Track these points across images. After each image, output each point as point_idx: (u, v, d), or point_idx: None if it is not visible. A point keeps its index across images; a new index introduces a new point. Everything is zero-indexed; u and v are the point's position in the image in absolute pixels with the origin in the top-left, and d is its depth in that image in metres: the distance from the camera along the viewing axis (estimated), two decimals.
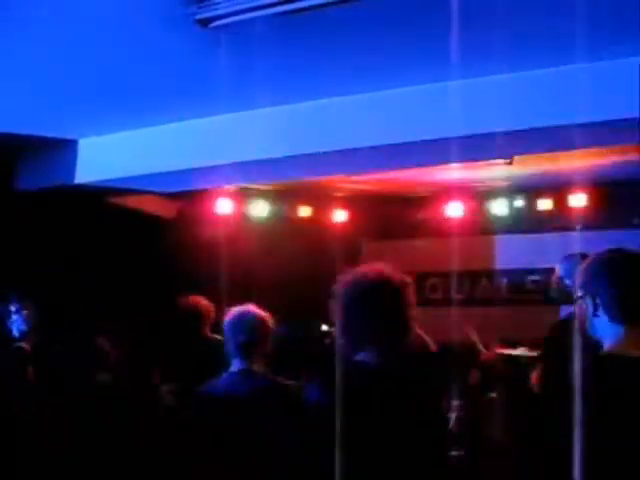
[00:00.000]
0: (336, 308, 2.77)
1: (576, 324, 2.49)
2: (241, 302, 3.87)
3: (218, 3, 3.28)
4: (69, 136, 6.08)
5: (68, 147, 6.19)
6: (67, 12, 3.53)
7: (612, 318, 2.36)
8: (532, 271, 8.39)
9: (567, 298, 4.71)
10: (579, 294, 2.43)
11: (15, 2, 3.40)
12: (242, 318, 3.72)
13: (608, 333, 2.37)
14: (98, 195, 6.61)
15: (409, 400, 2.69)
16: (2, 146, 6.02)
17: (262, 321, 3.74)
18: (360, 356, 2.69)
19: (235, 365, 3.66)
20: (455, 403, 5.37)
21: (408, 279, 2.81)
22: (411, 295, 2.77)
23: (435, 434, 2.72)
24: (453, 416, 5.21)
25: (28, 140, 6.00)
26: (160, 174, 5.95)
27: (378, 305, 2.70)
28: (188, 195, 7.26)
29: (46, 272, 6.26)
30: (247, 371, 3.63)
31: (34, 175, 6.46)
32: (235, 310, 3.81)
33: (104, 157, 6.08)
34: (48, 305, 5.63)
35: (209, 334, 5.81)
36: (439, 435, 2.75)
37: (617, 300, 2.35)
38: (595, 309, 2.38)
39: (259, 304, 3.88)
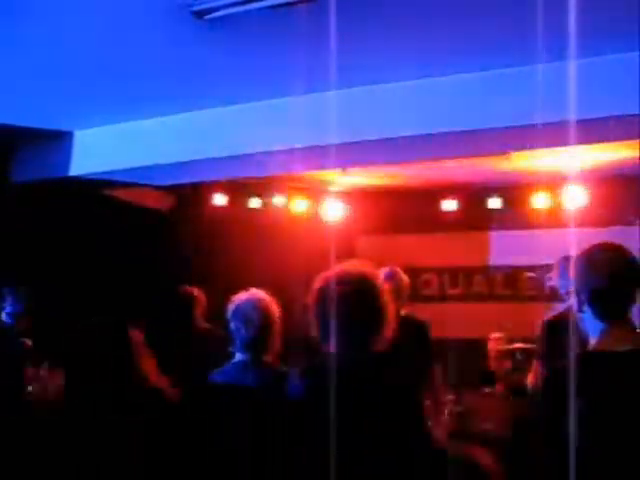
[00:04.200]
0: (311, 304, 2.80)
1: (571, 321, 2.49)
2: (235, 293, 3.65)
3: None
4: (65, 128, 6.07)
5: (64, 139, 6.18)
6: (64, 3, 3.52)
7: (596, 314, 2.37)
8: (528, 268, 8.42)
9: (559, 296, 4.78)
10: (569, 291, 2.45)
11: None
12: (244, 310, 3.54)
13: (593, 329, 2.38)
14: (93, 187, 6.60)
15: (378, 393, 2.69)
16: None
17: (267, 314, 3.54)
18: (329, 347, 2.72)
19: (239, 356, 3.55)
20: (450, 397, 5.39)
21: (379, 276, 2.91)
22: (382, 290, 2.78)
23: (405, 428, 2.69)
24: (448, 410, 5.22)
25: (24, 132, 5.98)
26: (156, 166, 5.94)
27: (346, 300, 2.70)
28: (184, 188, 7.25)
29: (41, 263, 6.26)
30: (251, 362, 3.51)
31: (30, 167, 6.45)
32: (238, 300, 3.61)
33: (100, 149, 6.07)
34: (42, 295, 5.63)
35: (202, 324, 5.83)
36: (410, 429, 2.72)
37: (598, 297, 2.36)
38: (580, 306, 2.39)
39: None
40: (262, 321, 3.52)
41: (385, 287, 2.83)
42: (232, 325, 3.58)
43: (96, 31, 3.88)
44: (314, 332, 2.79)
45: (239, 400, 3.37)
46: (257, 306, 3.55)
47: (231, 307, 3.62)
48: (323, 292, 2.74)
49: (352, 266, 2.83)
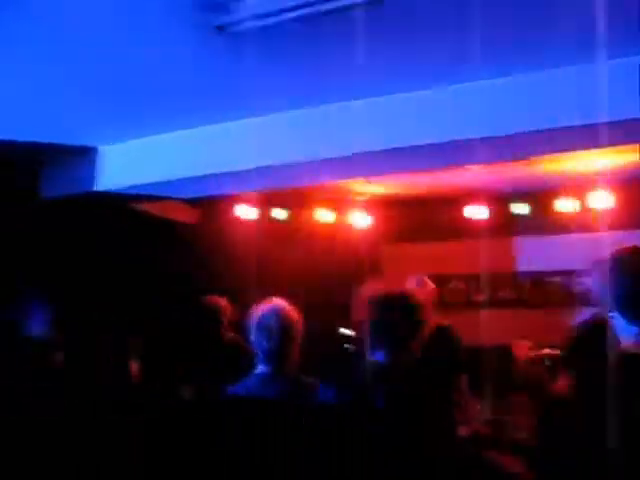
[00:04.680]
0: (360, 313, 3.16)
1: (604, 325, 2.48)
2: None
3: (237, 9, 3.29)
4: (90, 143, 6.13)
5: (89, 154, 6.24)
6: (89, 20, 3.56)
7: (628, 317, 2.35)
8: (555, 273, 8.35)
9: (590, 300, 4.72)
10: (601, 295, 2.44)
11: (38, 10, 3.43)
12: (266, 321, 3.51)
13: (624, 332, 2.36)
14: (119, 200, 6.66)
15: (413, 398, 2.85)
16: (27, 155, 6.08)
17: (288, 324, 3.51)
18: (375, 355, 3.00)
19: (261, 368, 3.52)
20: (478, 405, 5.35)
21: (425, 300, 3.33)
22: (426, 310, 3.17)
23: (442, 426, 2.81)
24: (478, 419, 5.19)
25: (51, 148, 6.05)
26: (181, 180, 5.97)
27: (397, 314, 3.03)
28: (209, 200, 7.29)
29: (70, 277, 6.31)
30: (273, 374, 3.47)
31: (58, 182, 6.52)
32: (260, 310, 3.58)
33: (125, 164, 6.13)
34: (71, 309, 5.68)
35: (227, 333, 5.83)
36: (446, 427, 2.86)
37: (625, 300, 2.34)
38: (610, 309, 2.38)
39: None
40: (283, 332, 3.48)
41: (427, 303, 3.23)
42: (253, 337, 3.55)
43: (119, 47, 3.92)
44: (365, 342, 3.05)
45: (264, 413, 3.35)
46: (278, 317, 3.51)
47: (252, 318, 3.58)
48: (374, 307, 3.07)
49: (396, 284, 3.28)
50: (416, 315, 3.06)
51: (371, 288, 3.18)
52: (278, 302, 3.59)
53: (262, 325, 3.51)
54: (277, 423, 3.26)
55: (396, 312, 3.03)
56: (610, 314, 2.41)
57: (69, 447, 3.61)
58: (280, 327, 3.48)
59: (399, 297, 3.09)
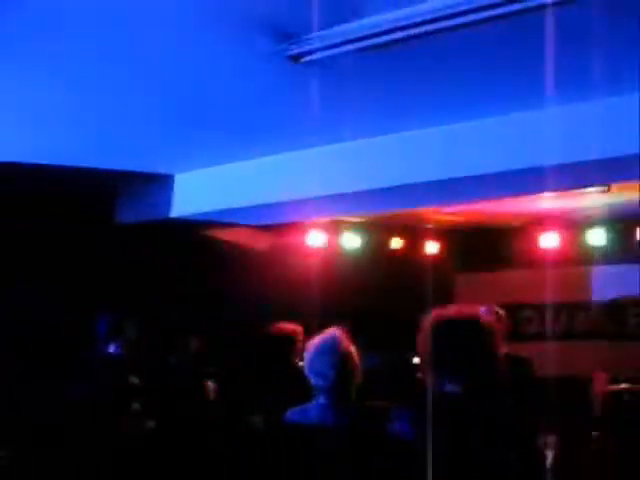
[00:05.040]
0: (423, 341, 2.85)
1: None
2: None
3: (310, 39, 3.32)
4: (166, 171, 6.25)
5: (165, 182, 6.36)
6: (167, 49, 3.63)
7: None
8: (633, 303, 8.14)
9: None
10: None
11: (121, 41, 3.52)
12: (321, 361, 3.36)
13: None
14: (193, 228, 6.77)
15: (493, 431, 2.69)
16: (104, 181, 6.24)
17: (344, 358, 3.36)
18: (447, 387, 2.77)
19: (321, 398, 3.39)
20: (552, 440, 5.21)
21: (496, 324, 2.98)
22: (497, 336, 2.85)
23: (525, 468, 2.68)
24: (550, 453, 5.04)
25: (127, 175, 6.19)
26: (253, 207, 6.04)
27: (466, 340, 2.79)
28: (281, 227, 7.34)
29: (144, 301, 6.42)
30: (333, 404, 3.35)
31: (134, 209, 6.66)
32: (314, 345, 3.43)
33: (199, 191, 6.22)
34: (147, 333, 5.78)
35: (298, 361, 5.81)
36: (529, 469, 2.71)
37: None
38: None
39: (351, 334, 3.51)
40: (340, 369, 3.34)
41: (498, 328, 2.90)
42: (309, 375, 3.41)
43: (194, 76, 3.99)
44: (424, 370, 2.85)
45: (338, 441, 3.30)
46: (334, 351, 3.37)
47: (307, 356, 3.45)
48: (437, 331, 2.81)
49: (464, 307, 2.92)
50: (489, 340, 2.82)
51: (436, 313, 2.89)
52: (331, 336, 3.43)
53: (317, 365, 3.38)
54: (347, 451, 3.22)
55: (465, 336, 2.80)
56: None
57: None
58: (335, 364, 3.34)
59: (469, 320, 2.84)
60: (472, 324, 2.81)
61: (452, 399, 2.75)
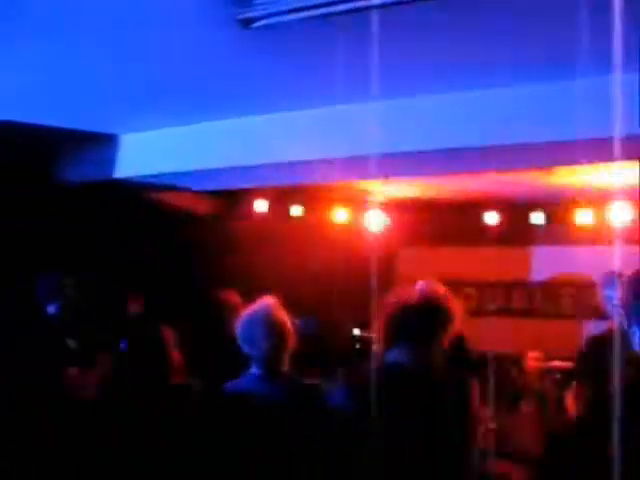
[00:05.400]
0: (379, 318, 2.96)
1: (618, 339, 2.45)
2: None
3: (260, 4, 3.29)
4: (111, 131, 6.15)
5: (110, 142, 6.27)
6: (114, 11, 3.57)
7: None
8: (569, 284, 8.31)
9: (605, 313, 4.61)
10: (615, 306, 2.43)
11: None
12: (255, 327, 3.34)
13: None
14: (137, 189, 6.68)
15: (438, 397, 2.79)
16: (42, 138, 6.10)
17: (277, 329, 3.33)
18: (391, 356, 2.86)
19: (254, 368, 3.37)
20: (487, 414, 5.31)
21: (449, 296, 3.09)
22: (451, 309, 3.00)
23: (462, 433, 2.74)
24: (485, 427, 5.14)
25: (70, 133, 6.07)
26: (198, 171, 5.99)
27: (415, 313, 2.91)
28: (225, 194, 7.30)
29: (81, 264, 6.34)
30: (267, 375, 3.33)
31: (75, 168, 6.55)
32: (247, 314, 3.41)
33: (145, 153, 6.15)
34: (86, 294, 5.71)
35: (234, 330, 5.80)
36: (465, 434, 2.78)
37: None
38: (629, 324, 2.36)
39: (289, 302, 3.48)
40: (273, 339, 3.32)
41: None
42: (242, 344, 3.40)
43: (142, 37, 3.93)
44: (379, 342, 2.93)
45: (268, 413, 3.28)
46: (267, 322, 3.34)
47: (240, 324, 3.42)
48: (399, 308, 2.93)
49: (425, 285, 3.10)
50: (443, 315, 2.94)
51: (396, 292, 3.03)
52: (265, 305, 3.40)
53: (250, 332, 3.36)
54: (279, 423, 3.22)
55: (422, 310, 2.92)
56: (630, 329, 2.38)
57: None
58: (270, 332, 3.32)
59: (431, 298, 2.98)
60: (437, 300, 2.97)
61: (396, 365, 2.82)
